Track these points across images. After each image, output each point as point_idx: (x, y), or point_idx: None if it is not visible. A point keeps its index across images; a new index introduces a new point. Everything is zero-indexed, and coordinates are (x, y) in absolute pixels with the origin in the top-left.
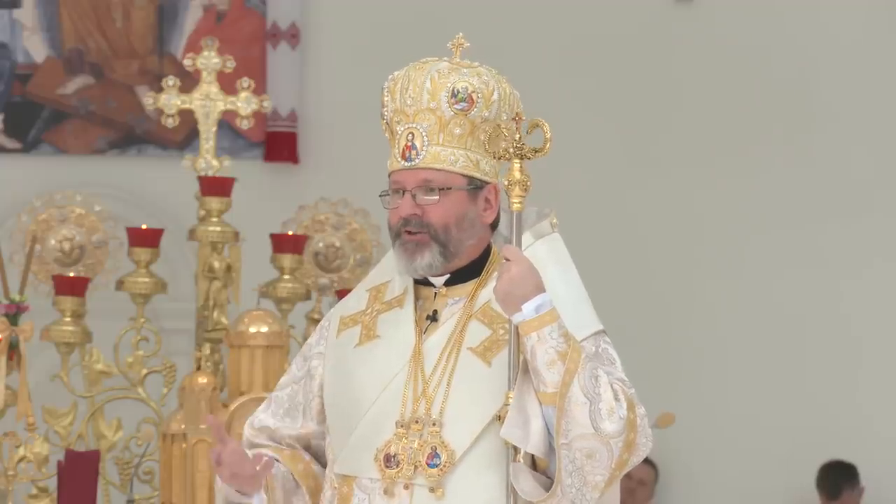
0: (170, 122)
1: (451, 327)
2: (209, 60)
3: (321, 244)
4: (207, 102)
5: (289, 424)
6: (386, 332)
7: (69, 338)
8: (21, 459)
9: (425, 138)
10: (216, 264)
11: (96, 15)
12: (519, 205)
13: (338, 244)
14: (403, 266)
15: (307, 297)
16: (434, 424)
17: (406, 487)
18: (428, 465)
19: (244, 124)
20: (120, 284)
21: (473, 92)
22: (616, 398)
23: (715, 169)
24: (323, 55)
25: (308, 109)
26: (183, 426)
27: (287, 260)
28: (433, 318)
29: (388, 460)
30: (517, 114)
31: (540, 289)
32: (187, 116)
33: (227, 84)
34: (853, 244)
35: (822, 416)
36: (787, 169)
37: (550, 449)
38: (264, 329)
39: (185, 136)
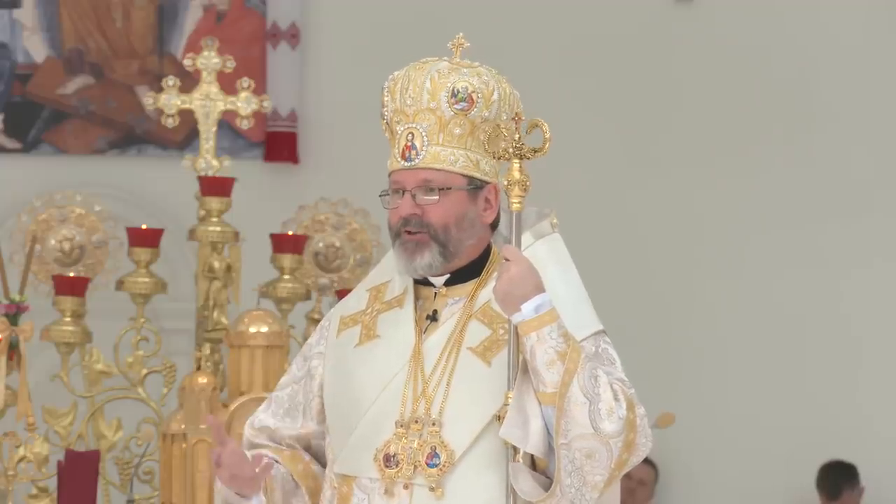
0: (170, 122)
1: (451, 327)
2: (209, 60)
3: (321, 244)
4: (207, 102)
5: (289, 424)
6: (386, 331)
7: (69, 338)
8: (21, 459)
9: (425, 138)
10: (216, 264)
11: (96, 15)
12: (518, 205)
13: (338, 244)
14: (403, 266)
15: (307, 297)
16: (434, 424)
17: (405, 487)
18: (427, 464)
19: (244, 124)
20: (120, 284)
21: (473, 92)
22: (615, 398)
23: (715, 169)
24: (323, 55)
25: (308, 109)
26: (183, 426)
27: (287, 260)
28: (433, 317)
29: (388, 460)
30: (516, 114)
31: (539, 289)
32: (187, 116)
33: (227, 84)
34: (853, 244)
35: (822, 416)
36: (787, 169)
37: (550, 449)
38: (264, 329)
39: (185, 136)
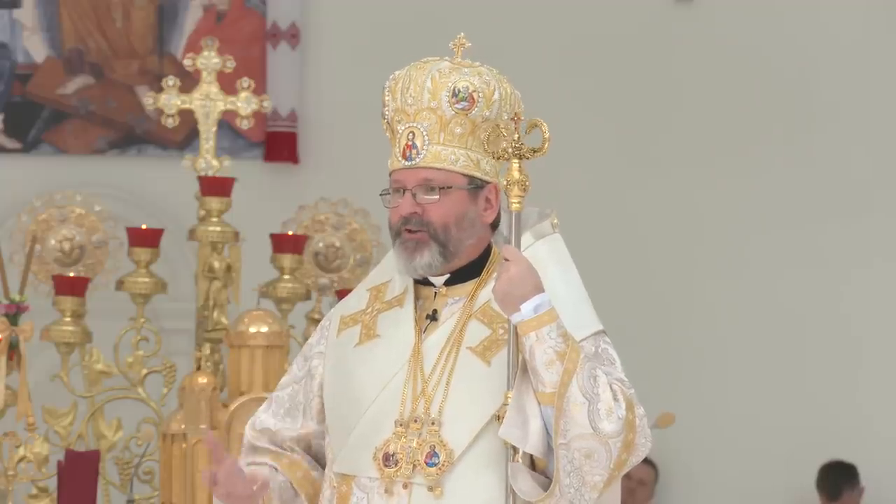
0: (170, 122)
1: (451, 327)
2: (209, 60)
3: (321, 244)
4: (207, 102)
5: (289, 425)
6: (386, 331)
7: (69, 338)
8: (21, 459)
9: (426, 137)
10: (216, 264)
11: (96, 15)
12: (518, 205)
13: (338, 244)
14: (403, 265)
15: (307, 297)
16: (433, 423)
17: (405, 486)
18: (427, 464)
19: (244, 124)
20: (120, 284)
21: (474, 91)
22: (615, 398)
23: (715, 169)
24: (323, 55)
25: (308, 109)
26: (183, 426)
27: (287, 260)
28: (433, 317)
29: (387, 459)
30: (516, 114)
31: (539, 289)
32: (187, 116)
33: (227, 84)
34: (853, 244)
35: (822, 416)
36: (787, 169)
37: (549, 449)
38: (264, 329)
39: (185, 136)
